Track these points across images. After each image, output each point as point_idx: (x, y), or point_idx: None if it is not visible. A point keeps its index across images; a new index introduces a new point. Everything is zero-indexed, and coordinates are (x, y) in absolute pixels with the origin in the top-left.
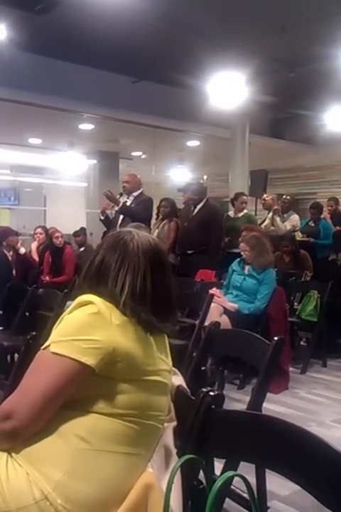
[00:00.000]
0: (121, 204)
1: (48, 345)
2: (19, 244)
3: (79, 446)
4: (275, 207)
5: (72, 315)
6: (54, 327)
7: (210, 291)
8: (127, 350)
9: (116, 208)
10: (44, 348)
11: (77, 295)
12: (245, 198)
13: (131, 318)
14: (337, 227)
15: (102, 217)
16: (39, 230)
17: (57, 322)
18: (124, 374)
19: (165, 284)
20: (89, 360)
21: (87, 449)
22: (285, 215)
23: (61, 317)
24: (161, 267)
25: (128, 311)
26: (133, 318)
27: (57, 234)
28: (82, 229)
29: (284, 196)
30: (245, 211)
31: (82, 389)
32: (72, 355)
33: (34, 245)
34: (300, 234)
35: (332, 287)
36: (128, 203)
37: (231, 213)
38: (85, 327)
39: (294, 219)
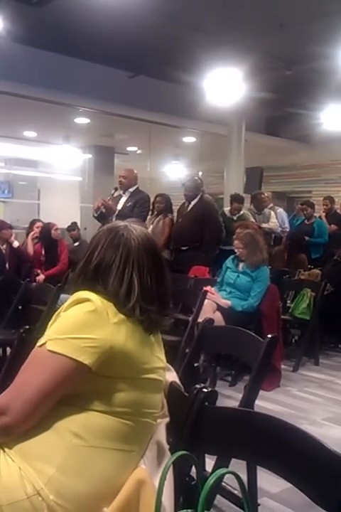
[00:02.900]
0: (117, 211)
1: (44, 343)
2: (13, 237)
3: (72, 442)
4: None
5: (68, 312)
6: (49, 323)
7: (204, 288)
8: (124, 349)
9: (114, 215)
10: (40, 345)
11: (73, 292)
12: (238, 205)
13: (138, 317)
14: (333, 226)
15: (96, 215)
16: (40, 223)
17: (53, 319)
18: (121, 372)
19: (165, 280)
20: (86, 359)
21: (80, 445)
22: (265, 212)
23: (57, 313)
24: (161, 263)
25: (137, 311)
26: (141, 317)
27: (55, 226)
28: (74, 223)
29: (256, 193)
30: (242, 212)
31: (78, 386)
32: (69, 353)
33: (30, 236)
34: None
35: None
36: (124, 199)
37: (227, 211)
38: (82, 325)
39: (274, 216)
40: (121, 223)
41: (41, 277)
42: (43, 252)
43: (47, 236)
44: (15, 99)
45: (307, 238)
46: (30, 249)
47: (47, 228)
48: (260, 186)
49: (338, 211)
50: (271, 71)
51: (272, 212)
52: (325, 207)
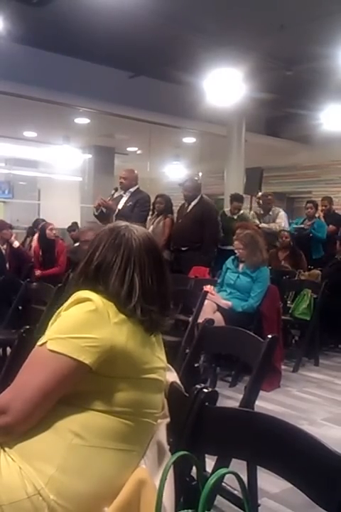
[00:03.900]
0: (117, 211)
1: (45, 342)
2: (13, 237)
3: (73, 442)
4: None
5: (69, 312)
6: (50, 323)
7: (204, 288)
8: (125, 349)
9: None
10: (40, 345)
11: (73, 292)
12: (238, 204)
13: (139, 318)
14: (331, 227)
15: (96, 213)
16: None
17: (53, 318)
18: (121, 372)
19: (166, 281)
20: (87, 359)
21: (81, 445)
22: (270, 213)
23: (57, 313)
24: (162, 264)
25: (138, 312)
26: (142, 318)
27: (50, 226)
28: (75, 223)
29: (262, 194)
30: (242, 211)
31: (78, 386)
32: (70, 353)
33: (36, 237)
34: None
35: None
36: (124, 199)
37: (227, 211)
38: (83, 325)
39: (282, 216)
40: (122, 223)
41: (37, 272)
42: (40, 253)
43: (43, 236)
44: (15, 99)
45: (308, 227)
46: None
47: (43, 228)
48: (260, 187)
49: (336, 211)
50: (271, 71)
51: (281, 213)
52: (323, 207)
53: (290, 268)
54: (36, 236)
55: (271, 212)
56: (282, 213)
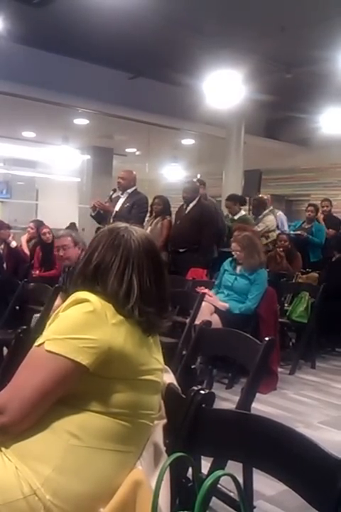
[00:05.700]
0: (114, 212)
1: (42, 343)
2: (10, 237)
3: (70, 442)
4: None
5: (67, 312)
6: (48, 323)
7: (198, 288)
8: (122, 350)
9: (111, 216)
10: (38, 345)
11: (72, 293)
12: (229, 203)
13: (137, 319)
14: (331, 231)
15: (93, 214)
16: (31, 224)
17: (51, 319)
18: (118, 373)
19: (164, 283)
20: (84, 360)
21: (77, 446)
22: (259, 217)
23: (55, 314)
24: (160, 265)
25: (136, 313)
26: (140, 319)
27: (44, 230)
28: (72, 224)
29: (253, 198)
30: (242, 212)
31: (75, 387)
32: (67, 354)
33: (24, 238)
34: (274, 235)
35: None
36: (122, 200)
37: (228, 213)
38: (81, 326)
39: (267, 219)
40: (121, 224)
41: (35, 273)
42: (41, 254)
43: (40, 238)
44: (14, 100)
45: (305, 234)
46: (26, 249)
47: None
48: (259, 189)
49: (334, 214)
50: (271, 74)
51: (266, 217)
52: (324, 208)
53: (285, 264)
54: (25, 236)
55: (260, 216)
56: (267, 218)
